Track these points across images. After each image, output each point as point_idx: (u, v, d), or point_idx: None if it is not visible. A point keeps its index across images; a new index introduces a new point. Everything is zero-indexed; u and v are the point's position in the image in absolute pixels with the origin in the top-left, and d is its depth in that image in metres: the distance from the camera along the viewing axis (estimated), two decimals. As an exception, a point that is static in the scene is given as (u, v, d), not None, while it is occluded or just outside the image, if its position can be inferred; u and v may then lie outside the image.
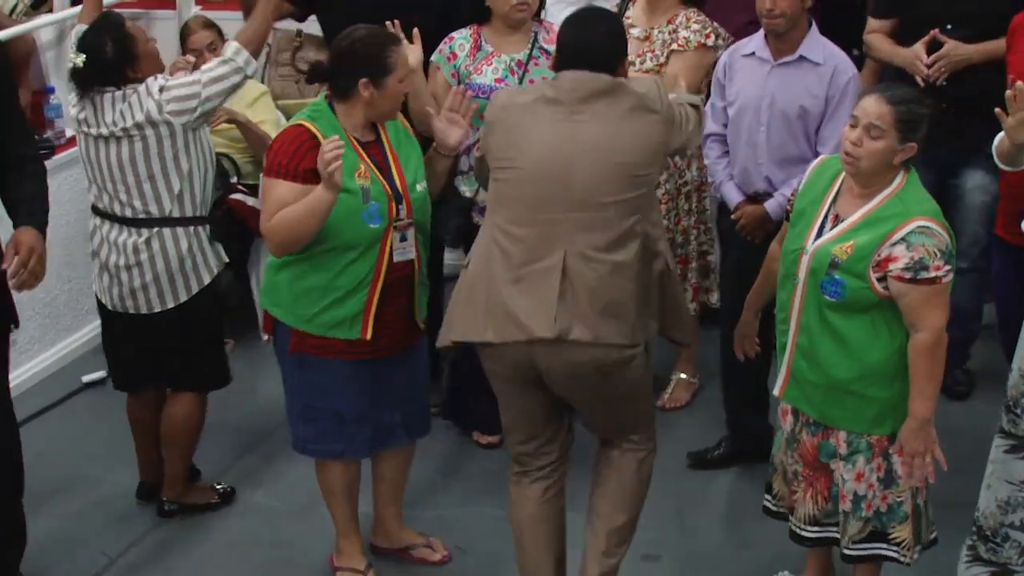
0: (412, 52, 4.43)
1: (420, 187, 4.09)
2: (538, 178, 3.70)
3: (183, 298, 4.46)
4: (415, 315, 4.15)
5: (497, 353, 3.76)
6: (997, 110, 3.76)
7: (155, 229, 4.37)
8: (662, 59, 4.96)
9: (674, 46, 4.93)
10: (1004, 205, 4.52)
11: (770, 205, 4.58)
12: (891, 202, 3.61)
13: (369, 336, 4.00)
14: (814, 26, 4.55)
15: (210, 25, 5.90)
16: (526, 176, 3.71)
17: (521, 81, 4.70)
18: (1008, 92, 3.72)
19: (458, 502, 4.83)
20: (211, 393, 4.72)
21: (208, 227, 4.51)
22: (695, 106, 3.98)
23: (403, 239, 4.01)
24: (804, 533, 3.92)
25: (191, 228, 4.43)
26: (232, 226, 5.70)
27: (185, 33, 5.93)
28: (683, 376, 5.39)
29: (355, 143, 3.98)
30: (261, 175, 4.05)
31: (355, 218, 3.91)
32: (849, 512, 3.79)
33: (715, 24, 4.98)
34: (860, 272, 3.58)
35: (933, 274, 3.53)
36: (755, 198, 4.65)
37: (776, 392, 3.87)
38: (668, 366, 5.44)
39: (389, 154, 4.06)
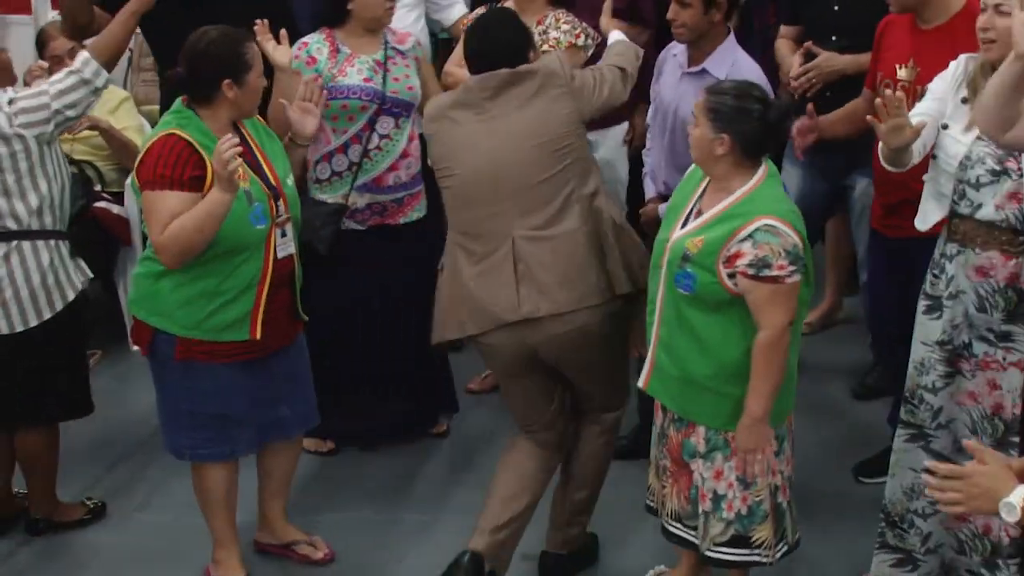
0: (282, 53, 4.41)
1: (290, 181, 4.13)
2: (473, 179, 4.00)
3: (46, 315, 4.28)
4: (296, 309, 4.17)
5: (490, 347, 4.04)
6: (869, 117, 3.84)
7: (14, 243, 4.21)
8: (532, 61, 4.99)
9: (544, 47, 4.96)
10: (876, 198, 4.59)
11: (661, 208, 4.63)
12: (744, 200, 3.65)
13: (258, 335, 3.99)
14: (731, 39, 4.56)
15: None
16: (463, 179, 4.02)
17: (385, 79, 4.74)
18: (877, 100, 3.79)
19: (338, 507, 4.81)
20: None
21: (68, 242, 4.36)
22: (620, 68, 4.21)
23: (284, 235, 4.04)
24: (671, 528, 3.96)
25: (52, 242, 4.28)
26: (97, 235, 5.63)
27: (43, 39, 5.76)
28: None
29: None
30: (133, 187, 3.96)
31: (243, 221, 3.89)
32: (710, 512, 3.81)
33: (584, 24, 5.02)
34: (709, 266, 3.61)
35: (776, 273, 3.56)
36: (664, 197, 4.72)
37: (640, 383, 3.90)
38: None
39: (257, 153, 4.07)
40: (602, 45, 4.65)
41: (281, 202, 4.03)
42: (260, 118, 4.22)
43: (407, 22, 5.47)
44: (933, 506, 3.83)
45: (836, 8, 4.96)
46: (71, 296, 4.32)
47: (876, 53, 4.53)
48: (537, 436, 4.21)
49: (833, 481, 4.80)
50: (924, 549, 3.97)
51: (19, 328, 4.25)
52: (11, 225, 4.19)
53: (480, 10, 5.12)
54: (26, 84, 4.37)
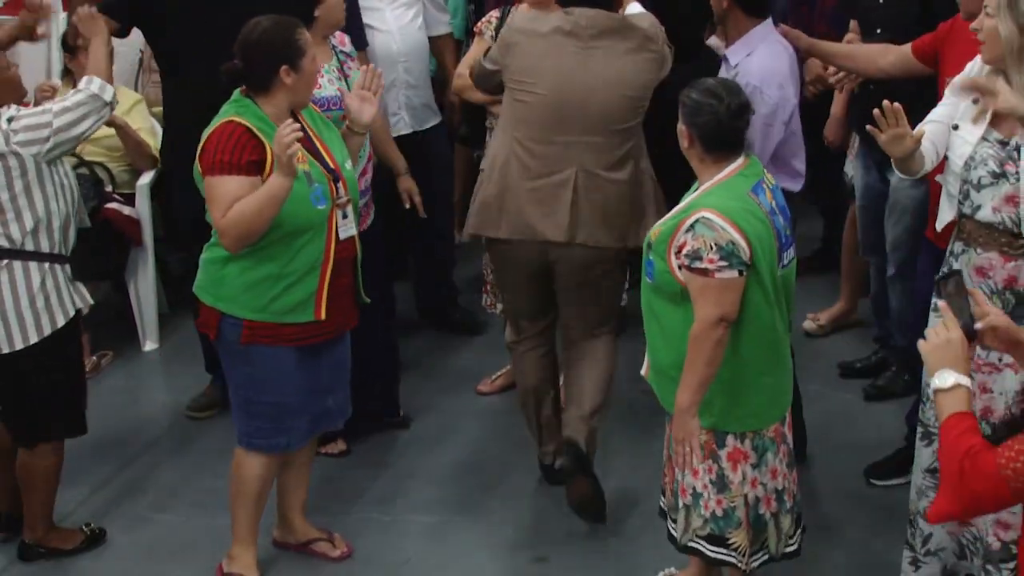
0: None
1: (348, 165, 4.18)
2: (558, 103, 4.30)
3: (33, 339, 4.16)
4: (358, 294, 4.23)
5: (511, 249, 4.42)
6: (869, 127, 3.85)
7: (4, 262, 4.14)
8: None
9: None
10: (931, 208, 4.50)
11: None
12: (703, 194, 3.69)
13: (323, 316, 4.05)
14: (758, 30, 4.47)
15: None
16: (547, 100, 4.31)
17: (348, 86, 4.64)
18: (875, 111, 3.80)
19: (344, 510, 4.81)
20: (91, 404, 4.59)
21: (68, 266, 4.28)
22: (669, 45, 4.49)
23: (345, 216, 4.10)
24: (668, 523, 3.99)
25: (46, 264, 4.19)
26: (108, 236, 5.65)
27: (75, 41, 5.67)
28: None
29: None
30: (200, 172, 3.97)
31: (304, 202, 3.95)
32: (690, 506, 3.84)
33: None
34: (662, 254, 3.67)
35: (705, 265, 3.57)
36: None
37: (643, 371, 3.93)
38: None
39: (315, 138, 4.11)
40: None
41: (341, 184, 4.09)
42: (315, 107, 4.27)
43: (404, 21, 5.50)
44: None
45: (882, 1, 4.94)
46: (61, 322, 4.22)
47: (940, 56, 4.45)
48: (528, 342, 4.62)
49: (845, 483, 4.79)
50: (924, 551, 3.98)
51: (4, 350, 4.17)
52: (3, 243, 4.12)
53: (495, 12, 5.15)
54: (36, 102, 4.33)
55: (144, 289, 5.86)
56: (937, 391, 2.83)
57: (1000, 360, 3.75)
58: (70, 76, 5.73)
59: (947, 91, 3.98)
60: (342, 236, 4.08)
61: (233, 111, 3.99)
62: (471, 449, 5.15)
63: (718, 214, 3.57)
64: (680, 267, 3.62)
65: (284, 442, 4.19)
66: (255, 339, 4.03)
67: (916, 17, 4.71)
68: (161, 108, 5.96)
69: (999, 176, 3.73)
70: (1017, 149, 3.70)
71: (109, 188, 5.79)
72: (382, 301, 4.98)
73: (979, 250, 3.80)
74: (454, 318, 6.00)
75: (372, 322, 4.79)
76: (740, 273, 3.58)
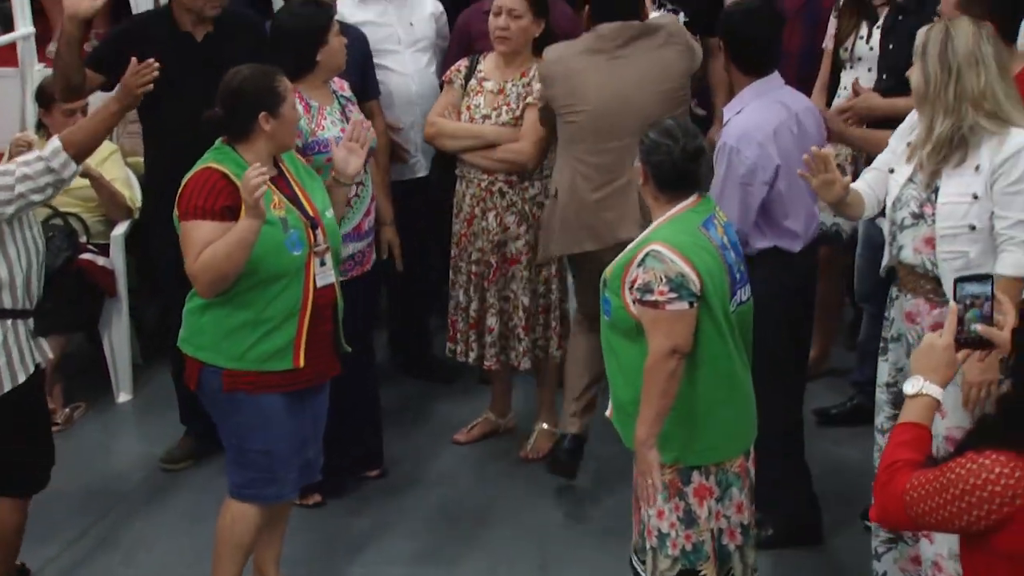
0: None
1: (329, 214, 4.18)
2: (601, 114, 4.67)
3: None
4: (338, 342, 4.21)
5: (594, 259, 4.56)
6: (799, 172, 3.95)
7: None
8: (517, 112, 5.04)
9: (529, 99, 5.01)
10: None
11: None
12: (655, 229, 3.76)
13: (302, 363, 4.04)
14: (754, 87, 4.42)
15: None
16: (591, 115, 4.69)
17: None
18: (804, 156, 3.90)
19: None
20: (64, 457, 4.55)
21: (31, 321, 4.21)
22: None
23: (323, 264, 4.09)
24: (632, 560, 3.98)
25: (8, 321, 4.11)
26: (82, 286, 5.63)
27: (50, 94, 5.67)
28: (545, 427, 5.42)
29: (269, 180, 3.98)
30: (176, 221, 3.97)
31: (279, 248, 3.96)
32: (656, 548, 3.84)
33: None
34: (616, 290, 3.72)
35: (655, 298, 3.63)
36: None
37: (607, 412, 3.94)
38: (530, 417, 5.47)
39: (295, 185, 4.13)
40: None
41: (319, 231, 4.08)
42: (299, 156, 4.30)
43: (421, 64, 5.56)
44: (886, 545, 4.03)
45: (890, 47, 4.99)
46: (21, 378, 4.13)
47: None
48: (592, 322, 4.65)
49: (838, 528, 4.77)
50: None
51: None
52: None
53: (463, 62, 5.18)
54: (11, 155, 4.26)
55: (118, 340, 5.84)
56: (905, 395, 2.89)
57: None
58: (45, 130, 5.72)
59: (891, 138, 4.06)
60: (319, 283, 4.07)
61: (212, 158, 4.02)
62: (447, 500, 5.12)
63: (668, 247, 3.65)
64: (633, 301, 3.68)
65: (276, 492, 4.17)
66: (237, 387, 4.02)
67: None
68: (136, 159, 5.99)
69: (918, 217, 3.82)
70: (935, 191, 3.78)
71: (83, 239, 5.78)
72: (364, 351, 5.00)
73: (909, 296, 3.90)
74: (429, 366, 5.99)
75: (357, 370, 4.81)
76: (691, 305, 3.65)
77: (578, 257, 4.87)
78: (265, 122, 4.00)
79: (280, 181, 4.09)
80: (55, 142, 4.12)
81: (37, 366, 4.23)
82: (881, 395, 4.06)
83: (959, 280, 2.94)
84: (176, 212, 4.00)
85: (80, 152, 4.13)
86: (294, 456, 4.17)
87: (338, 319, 4.20)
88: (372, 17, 5.46)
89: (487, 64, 5.15)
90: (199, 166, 4.02)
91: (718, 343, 3.73)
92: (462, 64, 5.17)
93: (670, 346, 3.62)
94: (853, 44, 5.25)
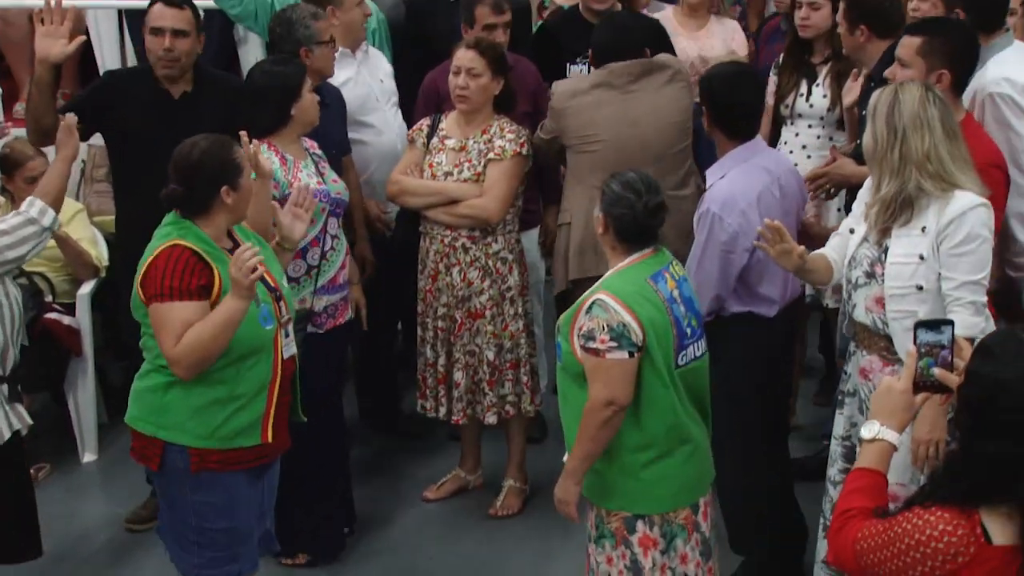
0: (268, 160, 4.43)
1: (284, 282, 4.15)
2: (620, 145, 4.94)
3: None
4: (295, 412, 4.13)
5: None
6: (755, 242, 4.02)
7: None
8: (479, 168, 5.07)
9: (491, 155, 5.05)
10: None
11: None
12: (603, 279, 3.85)
13: (270, 438, 3.94)
14: (738, 151, 4.46)
15: (40, 152, 5.66)
16: (610, 145, 4.95)
17: (325, 181, 4.78)
18: (759, 227, 3.99)
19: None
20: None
21: (5, 387, 4.18)
22: None
23: (287, 335, 4.04)
24: None
25: None
26: (48, 346, 5.59)
27: (14, 159, 5.69)
28: (514, 484, 5.40)
29: (226, 252, 3.92)
30: (141, 299, 3.86)
31: (253, 323, 3.86)
32: None
33: (528, 132, 5.14)
34: (566, 335, 3.81)
35: (597, 346, 3.71)
36: None
37: (564, 457, 3.96)
38: (498, 474, 5.45)
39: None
40: None
41: (283, 303, 4.03)
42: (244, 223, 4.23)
43: (399, 121, 5.66)
44: None
45: (864, 114, 5.03)
46: None
47: None
48: None
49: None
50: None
51: None
52: None
53: (426, 120, 5.22)
54: None
55: (84, 400, 5.80)
56: (862, 440, 2.91)
57: None
58: (8, 195, 5.71)
59: (856, 200, 4.12)
60: (285, 355, 4.00)
61: (176, 234, 3.88)
62: (416, 559, 5.09)
63: (612, 297, 3.73)
64: (580, 347, 3.75)
65: (236, 570, 4.04)
66: (205, 466, 3.89)
67: None
68: (102, 217, 5.99)
69: (870, 276, 3.88)
70: (885, 251, 3.83)
71: (49, 298, 5.75)
72: (335, 406, 5.02)
73: (864, 352, 3.95)
74: (398, 421, 5.97)
75: (328, 425, 4.81)
76: (631, 355, 3.70)
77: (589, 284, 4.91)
78: (227, 196, 3.90)
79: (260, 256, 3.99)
80: (29, 197, 4.14)
81: (16, 432, 4.16)
82: (835, 447, 4.10)
83: (918, 324, 2.98)
84: (140, 293, 3.87)
85: (55, 201, 4.14)
86: (253, 532, 4.07)
87: (296, 390, 4.13)
88: (350, 75, 5.49)
89: (449, 122, 5.19)
90: (162, 243, 3.87)
91: (662, 394, 3.79)
92: (424, 123, 5.22)
93: (608, 396, 3.72)
94: (793, 101, 5.37)
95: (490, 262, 5.12)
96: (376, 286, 5.45)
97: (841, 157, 4.89)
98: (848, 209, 5.03)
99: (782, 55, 5.53)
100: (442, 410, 5.25)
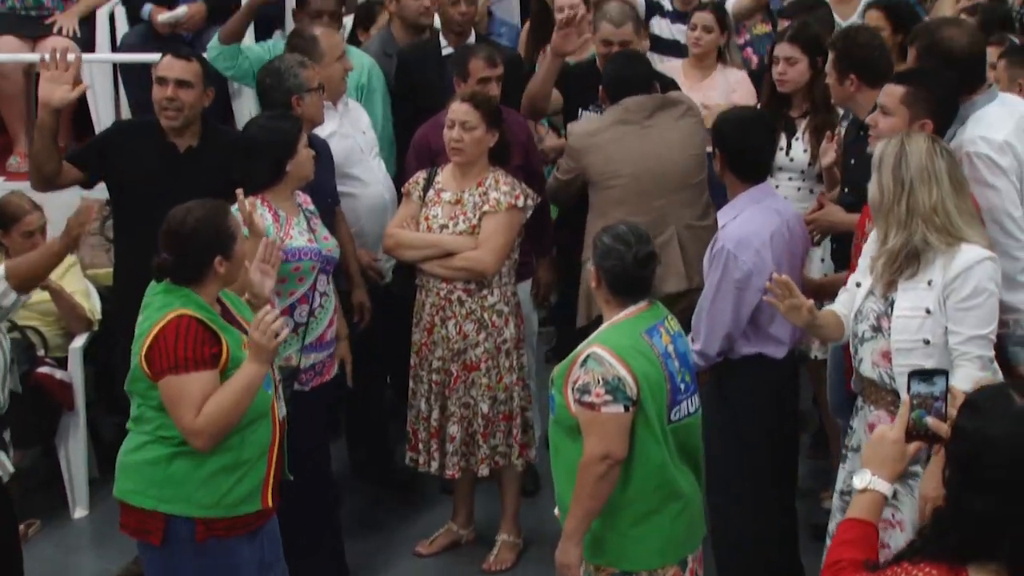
0: (261, 218, 4.46)
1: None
2: (642, 178, 5.13)
3: None
4: (283, 471, 4.07)
5: None
6: (766, 298, 4.01)
7: None
8: (474, 221, 5.07)
9: (485, 207, 5.06)
10: None
11: None
12: (598, 332, 3.84)
13: (270, 503, 3.91)
14: (749, 193, 4.52)
15: (37, 206, 5.68)
16: (632, 178, 5.13)
17: (316, 238, 4.78)
18: (767, 283, 3.98)
19: None
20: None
21: None
22: None
23: (279, 397, 4.03)
24: None
25: None
26: (40, 400, 5.57)
27: (10, 213, 5.66)
28: (507, 538, 5.37)
29: (221, 318, 3.91)
30: (145, 373, 3.80)
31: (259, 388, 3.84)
32: None
33: (523, 185, 5.15)
34: (560, 388, 3.79)
35: (592, 399, 3.70)
36: None
37: (556, 511, 3.94)
38: (492, 528, 5.42)
39: (240, 320, 4.01)
40: None
41: (273, 365, 4.00)
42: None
43: (384, 171, 5.69)
44: None
45: (852, 162, 5.07)
46: None
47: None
48: None
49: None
50: None
51: None
52: None
53: (422, 174, 5.23)
54: None
55: (75, 454, 5.77)
56: (854, 489, 2.89)
57: (893, 516, 3.82)
58: (3, 249, 5.72)
59: (860, 255, 4.10)
60: (279, 416, 3.99)
61: (177, 303, 3.82)
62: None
63: (607, 350, 3.72)
64: (574, 401, 3.73)
65: None
66: (212, 533, 3.85)
67: None
68: (95, 270, 6.00)
69: (876, 330, 3.86)
70: (891, 304, 3.81)
71: (41, 352, 5.74)
72: (323, 461, 4.99)
73: (871, 407, 3.93)
74: (390, 474, 5.95)
75: (316, 481, 4.78)
76: (626, 408, 3.69)
77: None
78: (220, 265, 3.87)
79: (228, 316, 3.96)
80: (3, 267, 4.09)
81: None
82: (837, 502, 4.08)
83: (912, 375, 2.96)
84: (146, 367, 3.79)
85: (23, 284, 4.09)
86: None
87: (284, 450, 4.07)
88: (333, 128, 5.52)
89: (444, 175, 5.20)
90: (165, 314, 3.80)
91: (654, 450, 3.78)
92: (420, 176, 5.23)
93: (603, 450, 3.70)
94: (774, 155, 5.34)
95: (486, 315, 5.11)
96: (370, 337, 5.45)
97: (829, 204, 4.90)
98: (834, 258, 5.07)
99: (764, 107, 5.55)
100: (434, 464, 5.21)
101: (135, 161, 4.95)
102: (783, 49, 5.30)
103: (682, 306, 4.70)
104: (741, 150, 4.47)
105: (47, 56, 4.87)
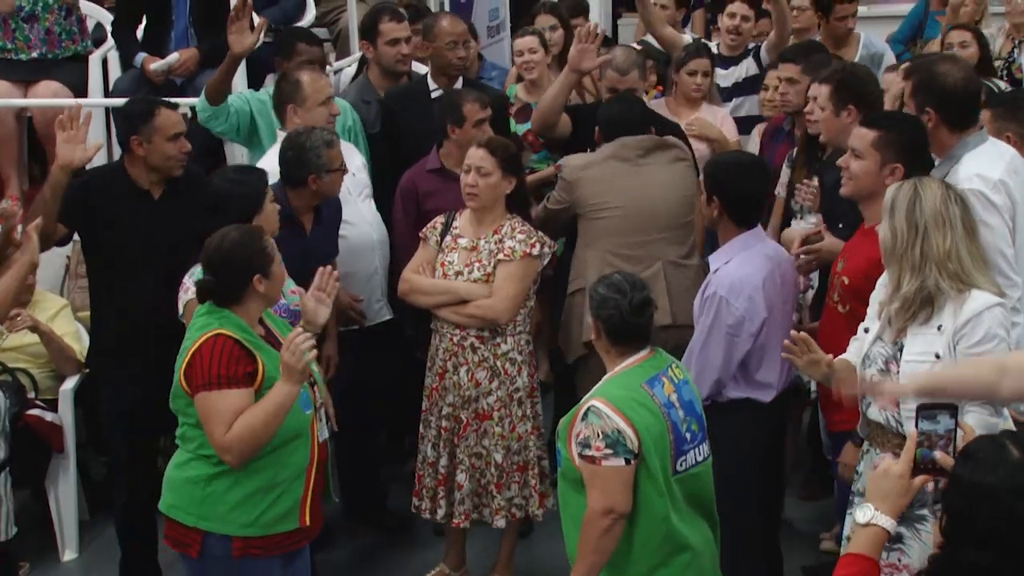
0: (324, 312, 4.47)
1: (316, 367, 4.15)
2: (633, 212, 5.20)
3: None
4: (327, 495, 4.16)
5: None
6: (784, 355, 4.00)
7: None
8: (489, 269, 5.05)
9: (500, 255, 5.04)
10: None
11: None
12: (599, 384, 3.82)
13: (308, 521, 3.97)
14: (743, 238, 4.53)
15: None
16: (624, 212, 5.20)
17: (283, 292, 4.59)
18: (785, 341, 3.97)
19: None
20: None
21: None
22: None
23: (321, 419, 4.08)
24: None
25: None
26: (30, 442, 5.55)
27: None
28: (500, 580, 5.35)
29: (262, 340, 3.99)
30: (184, 390, 3.90)
31: (296, 409, 3.91)
32: None
33: (540, 233, 5.14)
34: (564, 441, 3.78)
35: (593, 453, 3.68)
36: None
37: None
38: (483, 566, 5.40)
39: (282, 340, 4.03)
40: None
41: (316, 387, 4.08)
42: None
43: (373, 211, 5.65)
44: None
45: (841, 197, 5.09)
46: None
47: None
48: None
49: None
50: None
51: None
52: None
53: (440, 219, 5.22)
54: None
55: (65, 496, 5.73)
56: (856, 523, 2.87)
57: (899, 560, 3.78)
58: None
59: (870, 300, 4.07)
60: (320, 438, 4.06)
61: (216, 324, 3.93)
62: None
63: (606, 403, 3.70)
64: (577, 455, 3.71)
65: None
66: (247, 552, 3.93)
67: None
68: (85, 313, 5.97)
69: (884, 374, 3.81)
70: (901, 349, 3.79)
71: (31, 394, 5.72)
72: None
73: (877, 450, 3.89)
74: (382, 515, 5.92)
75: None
76: (627, 462, 3.66)
77: (592, 361, 4.81)
78: (259, 284, 3.98)
79: (271, 339, 4.05)
80: None
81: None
82: (845, 548, 4.01)
83: (921, 408, 2.95)
84: (184, 384, 3.90)
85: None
86: None
87: (328, 472, 4.16)
88: None
89: (462, 221, 5.18)
90: (204, 333, 3.91)
91: (657, 503, 3.72)
92: (438, 221, 5.20)
93: (605, 504, 3.66)
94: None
95: (498, 363, 5.06)
96: (361, 381, 5.43)
97: (829, 236, 4.89)
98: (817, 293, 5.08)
99: (795, 150, 5.58)
100: (440, 512, 5.14)
101: (114, 209, 4.95)
102: (814, 90, 5.32)
103: (663, 340, 4.66)
104: (737, 196, 4.47)
105: (61, 117, 4.89)
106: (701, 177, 4.91)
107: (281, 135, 5.33)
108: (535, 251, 5.04)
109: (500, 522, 5.13)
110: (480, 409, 5.07)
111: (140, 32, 6.74)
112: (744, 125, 6.47)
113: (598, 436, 3.66)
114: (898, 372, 3.77)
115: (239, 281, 3.97)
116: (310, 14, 7.34)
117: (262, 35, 5.70)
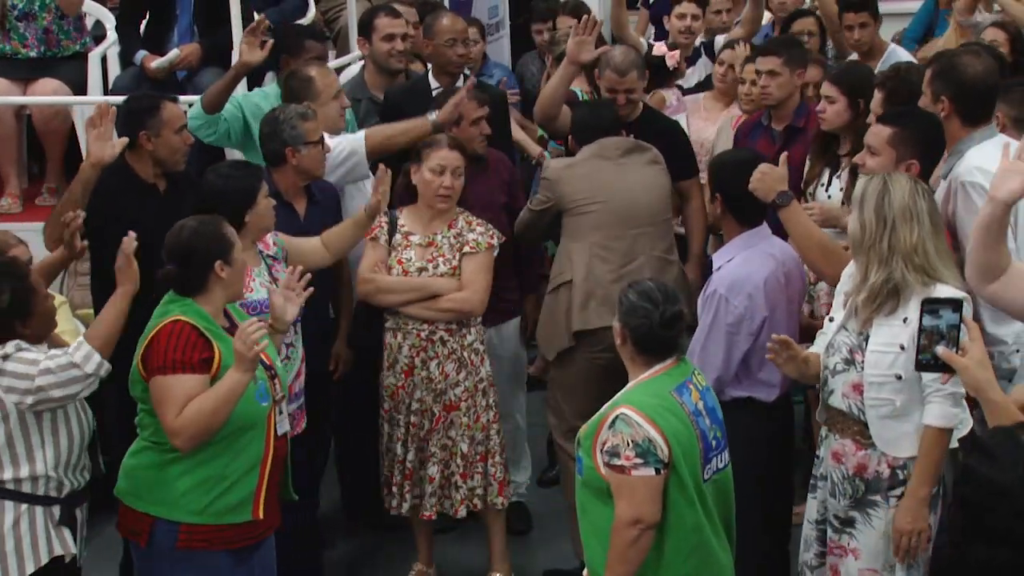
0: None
1: (279, 360, 4.18)
2: (617, 207, 5.24)
3: None
4: (285, 491, 4.16)
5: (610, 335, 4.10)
6: (769, 356, 4.03)
7: None
8: (455, 262, 5.09)
9: (466, 249, 5.07)
10: None
11: None
12: (625, 391, 3.76)
13: (261, 515, 3.96)
14: (747, 236, 4.54)
15: (21, 240, 5.61)
16: (608, 207, 5.24)
17: (277, 286, 4.59)
18: (768, 343, 4.02)
19: None
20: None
21: (57, 508, 4.01)
22: None
23: (280, 412, 4.08)
24: None
25: (23, 505, 3.93)
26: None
27: None
28: (499, 576, 5.34)
29: (224, 330, 4.00)
30: (141, 375, 3.91)
31: (250, 400, 3.92)
32: None
33: (488, 224, 5.19)
34: (588, 450, 3.70)
35: (622, 462, 3.60)
36: None
37: (584, 574, 3.87)
38: (484, 566, 5.38)
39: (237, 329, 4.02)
40: None
41: (277, 381, 4.09)
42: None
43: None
44: None
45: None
46: (30, 569, 3.92)
47: None
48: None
49: None
50: None
51: None
52: None
53: (383, 218, 5.18)
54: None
55: (64, 495, 5.71)
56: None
57: (848, 544, 3.87)
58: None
59: (835, 299, 4.13)
60: (279, 432, 4.05)
61: (178, 310, 3.97)
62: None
63: (636, 411, 3.62)
64: (604, 464, 3.63)
65: None
66: (192, 544, 3.92)
67: None
68: (86, 311, 5.97)
69: (849, 363, 3.88)
70: (866, 339, 3.83)
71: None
72: (305, 508, 4.94)
73: (837, 436, 3.95)
74: (383, 516, 5.89)
75: (301, 527, 4.76)
76: (657, 471, 3.59)
77: (595, 338, 5.05)
78: (220, 271, 4.00)
79: (233, 332, 4.01)
80: (82, 343, 3.98)
81: (57, 559, 4.00)
82: (809, 531, 4.08)
83: (925, 303, 3.09)
84: (141, 367, 3.92)
85: (104, 344, 3.97)
86: None
87: (287, 468, 4.16)
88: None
89: (407, 218, 5.20)
90: (165, 318, 3.95)
91: (687, 513, 3.67)
92: (382, 220, 5.16)
93: (634, 515, 3.59)
94: (815, 189, 5.37)
95: (465, 353, 5.11)
96: (364, 379, 5.42)
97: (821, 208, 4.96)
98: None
99: (812, 143, 5.54)
100: (405, 505, 5.16)
101: (123, 206, 4.94)
102: (824, 88, 5.31)
103: None
104: (739, 194, 4.46)
105: (92, 115, 4.90)
106: (705, 176, 4.92)
107: None
108: (495, 241, 5.13)
109: (463, 512, 5.15)
110: (448, 401, 5.11)
111: (142, 29, 6.73)
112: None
113: (628, 445, 3.59)
114: (863, 361, 3.83)
115: (201, 269, 3.99)
116: (310, 14, 7.33)
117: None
